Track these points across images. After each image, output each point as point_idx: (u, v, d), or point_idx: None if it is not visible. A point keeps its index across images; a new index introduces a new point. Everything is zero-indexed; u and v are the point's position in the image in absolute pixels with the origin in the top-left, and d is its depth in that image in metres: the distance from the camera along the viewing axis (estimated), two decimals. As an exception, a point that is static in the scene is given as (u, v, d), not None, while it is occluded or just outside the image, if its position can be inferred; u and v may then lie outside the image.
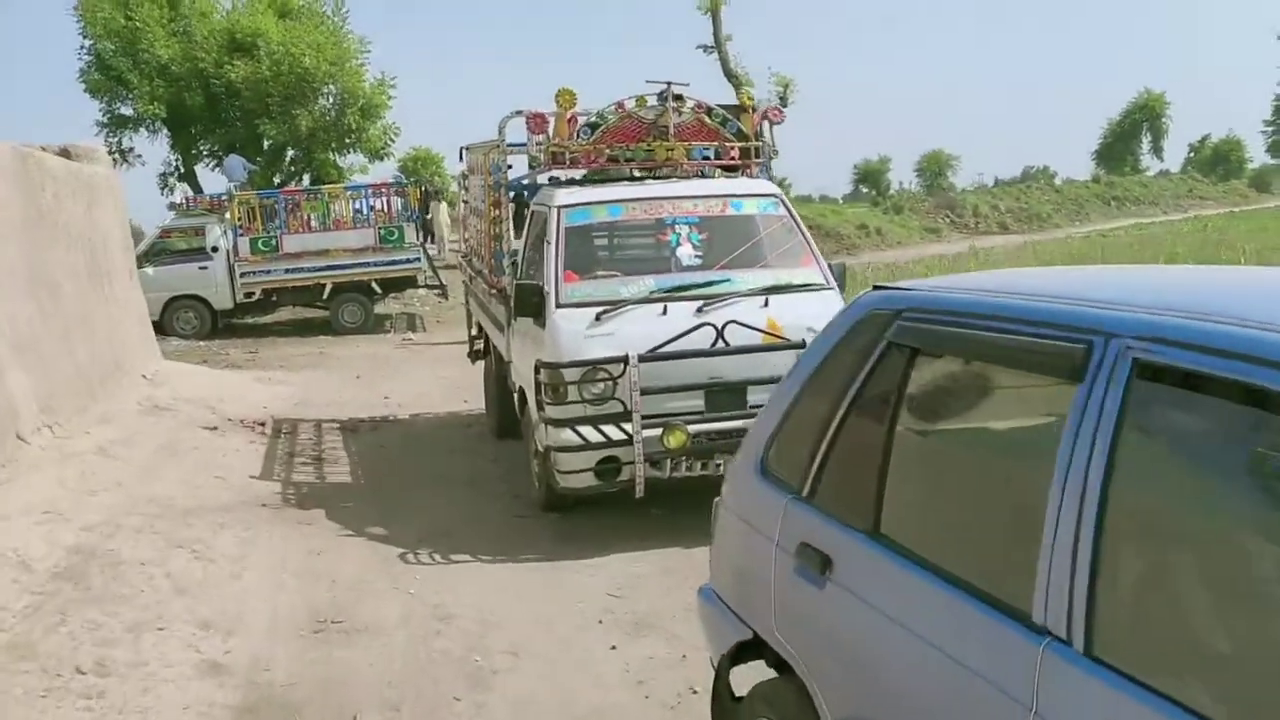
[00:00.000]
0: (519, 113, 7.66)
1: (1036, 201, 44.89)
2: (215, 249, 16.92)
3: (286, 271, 16.79)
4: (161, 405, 9.46)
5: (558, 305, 6.19)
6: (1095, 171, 51.38)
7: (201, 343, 16.63)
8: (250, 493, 7.13)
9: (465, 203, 10.28)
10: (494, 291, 7.85)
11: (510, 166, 7.62)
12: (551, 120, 6.84)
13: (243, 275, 16.72)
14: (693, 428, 5.91)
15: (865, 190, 47.31)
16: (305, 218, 17.12)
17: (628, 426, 5.87)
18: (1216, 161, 54.00)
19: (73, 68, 21.07)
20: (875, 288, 2.74)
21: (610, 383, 5.94)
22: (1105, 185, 47.58)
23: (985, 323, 2.23)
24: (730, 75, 23.90)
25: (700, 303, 6.19)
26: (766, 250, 6.65)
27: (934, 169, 49.35)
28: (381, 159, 22.46)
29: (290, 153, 22.06)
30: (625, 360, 5.84)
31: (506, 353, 7.61)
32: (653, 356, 5.90)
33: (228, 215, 17.09)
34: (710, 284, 6.33)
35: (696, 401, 6.01)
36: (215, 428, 9.12)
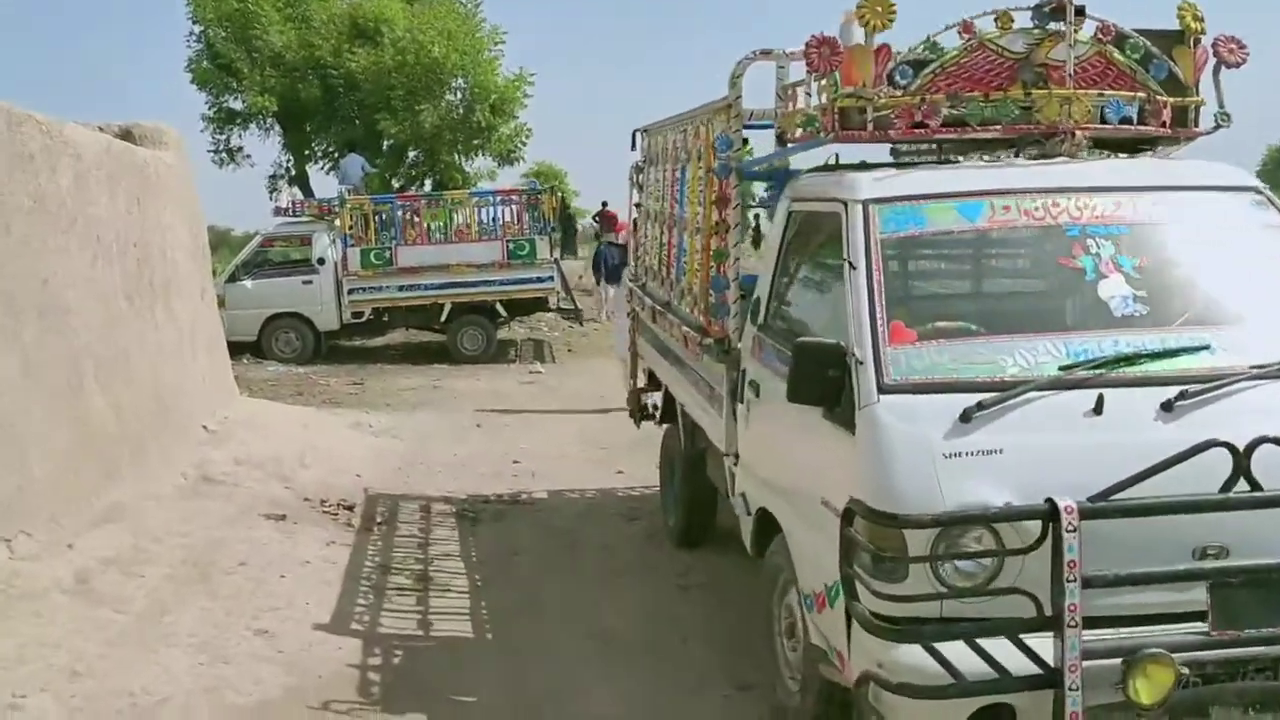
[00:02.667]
0: (765, 52, 4.75)
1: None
2: (322, 261, 14.78)
3: (400, 289, 14.58)
4: (215, 476, 6.79)
5: (882, 388, 3.19)
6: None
7: (300, 369, 14.36)
8: (304, 671, 4.26)
9: (638, 206, 7.40)
10: (703, 341, 4.91)
11: (747, 141, 4.68)
12: (843, 55, 3.86)
13: (351, 292, 14.59)
14: (1181, 655, 2.83)
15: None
16: (424, 228, 14.84)
17: (1042, 648, 2.83)
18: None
19: (181, 57, 19.08)
20: None
21: (1003, 557, 2.92)
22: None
23: None
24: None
25: (1172, 390, 3.11)
26: (1262, 286, 3.55)
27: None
28: (511, 163, 19.91)
29: (412, 154, 19.65)
30: (1049, 514, 2.80)
31: (723, 440, 4.69)
32: (1110, 508, 2.85)
33: (337, 223, 14.82)
34: (1178, 353, 3.25)
35: (1189, 597, 2.94)
36: (283, 516, 6.38)
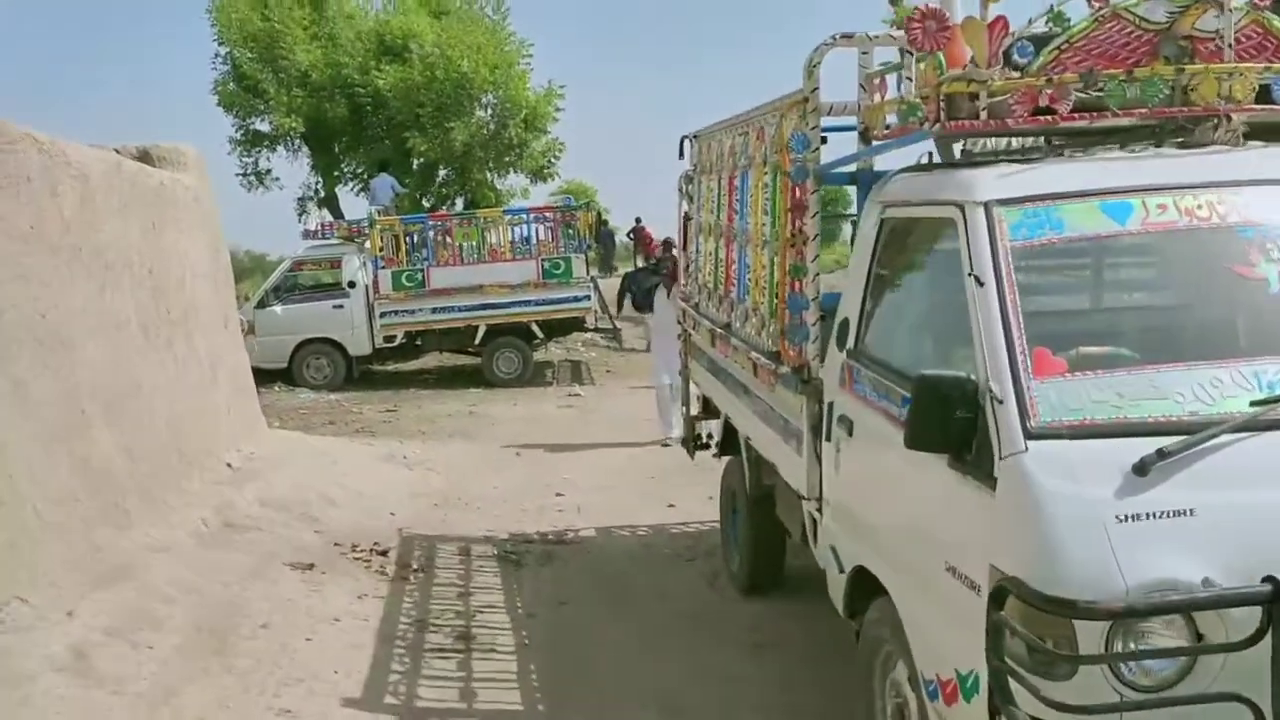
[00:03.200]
0: (846, 36, 4.16)
1: None
2: (353, 284, 14.36)
3: (433, 311, 14.14)
4: (237, 521, 6.26)
5: (1029, 433, 2.57)
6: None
7: (333, 395, 13.94)
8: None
9: (688, 219, 6.82)
10: (778, 369, 4.31)
11: (824, 140, 4.08)
12: (949, 32, 3.26)
13: (383, 315, 14.12)
14: None
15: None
16: (456, 248, 14.36)
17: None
18: None
19: (207, 80, 18.76)
20: None
21: (1198, 655, 2.31)
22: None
23: None
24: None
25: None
26: None
27: None
28: (544, 179, 19.42)
29: (442, 172, 19.20)
30: (1273, 597, 2.18)
31: (803, 482, 4.08)
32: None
33: (368, 245, 14.45)
34: (1399, 385, 2.61)
35: None
36: (310, 565, 5.83)
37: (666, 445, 9.52)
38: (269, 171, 19.49)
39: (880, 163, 4.31)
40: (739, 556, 5.75)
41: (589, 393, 14.07)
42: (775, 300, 4.44)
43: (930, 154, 3.85)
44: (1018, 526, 2.51)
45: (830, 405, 3.79)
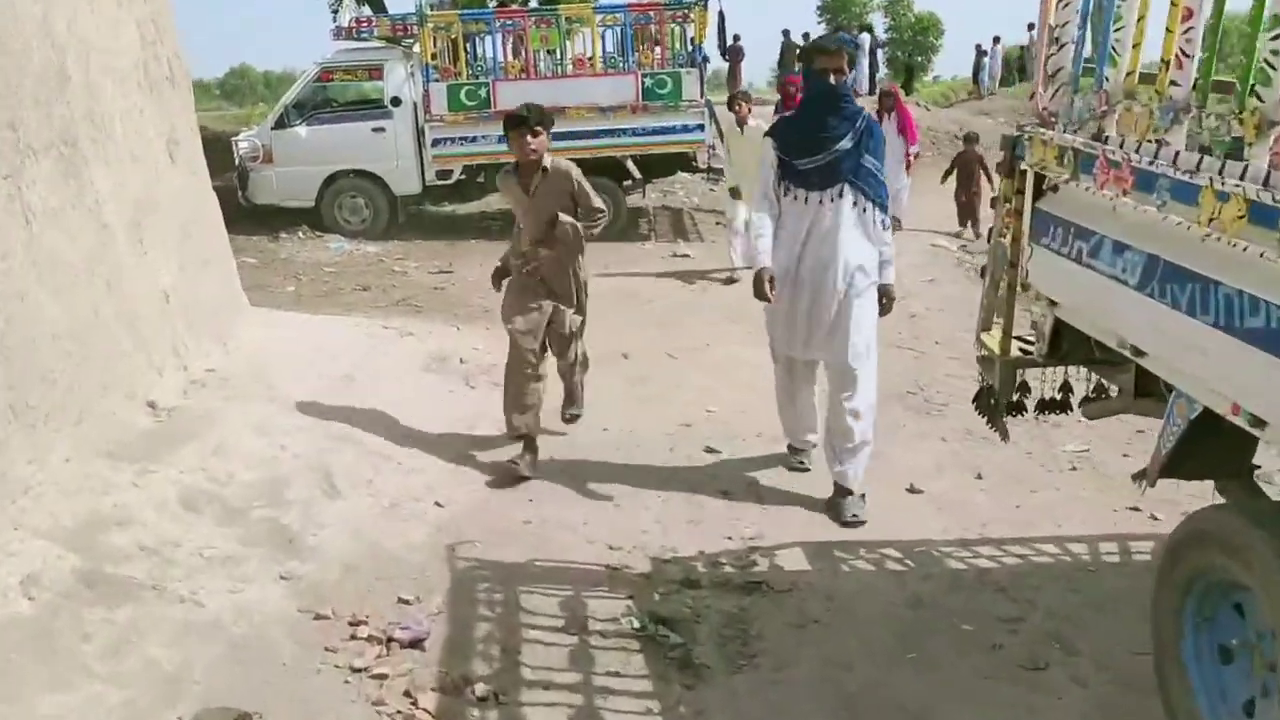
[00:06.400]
0: None
1: None
2: (397, 101, 11.28)
3: (500, 140, 10.52)
4: (114, 567, 3.00)
5: None
6: None
7: (371, 247, 10.93)
8: None
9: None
10: None
11: None
12: None
13: (435, 143, 10.98)
14: None
15: None
16: (531, 56, 10.97)
17: None
18: None
19: None
20: None
21: None
22: None
23: None
24: None
25: None
26: None
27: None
28: (642, -30, 15.38)
29: (512, -40, 15.31)
30: None
31: None
32: None
33: (416, 49, 11.24)
34: None
35: None
36: None
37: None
38: (296, -43, 15.74)
39: None
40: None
41: (698, 251, 10.69)
42: None
43: None
44: None
45: None
